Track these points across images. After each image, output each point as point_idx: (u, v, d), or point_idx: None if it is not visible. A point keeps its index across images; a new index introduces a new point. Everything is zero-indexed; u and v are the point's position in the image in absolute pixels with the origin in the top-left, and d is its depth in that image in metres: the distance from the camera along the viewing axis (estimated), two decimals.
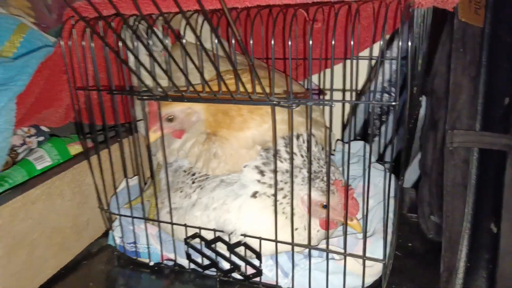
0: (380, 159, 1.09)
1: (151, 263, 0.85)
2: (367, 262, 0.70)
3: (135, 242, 0.85)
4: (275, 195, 0.73)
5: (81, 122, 0.86)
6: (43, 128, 0.98)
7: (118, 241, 0.87)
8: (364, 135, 1.11)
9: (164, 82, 0.78)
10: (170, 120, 0.80)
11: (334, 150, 1.07)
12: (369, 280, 0.72)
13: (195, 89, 0.69)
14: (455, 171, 0.81)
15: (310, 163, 0.70)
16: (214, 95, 0.68)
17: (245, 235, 0.75)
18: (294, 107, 0.63)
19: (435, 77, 0.95)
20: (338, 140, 1.11)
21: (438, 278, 0.77)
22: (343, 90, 0.83)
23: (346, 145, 1.04)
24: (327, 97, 1.11)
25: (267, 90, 0.64)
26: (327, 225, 0.76)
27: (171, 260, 0.84)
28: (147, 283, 0.83)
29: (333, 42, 0.61)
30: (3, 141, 0.78)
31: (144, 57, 0.87)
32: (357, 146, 1.02)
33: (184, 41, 0.69)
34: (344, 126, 1.13)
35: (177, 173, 0.89)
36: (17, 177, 0.86)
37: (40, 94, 0.88)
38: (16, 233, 0.72)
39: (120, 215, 0.85)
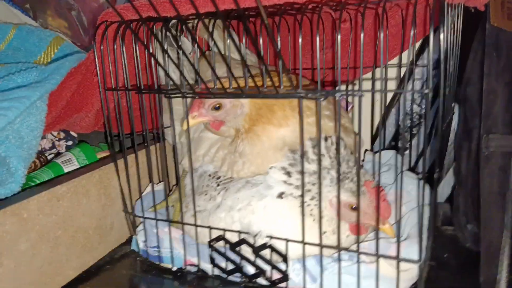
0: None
1: (174, 268, 0.83)
2: (402, 266, 0.66)
3: (158, 246, 0.83)
4: (302, 195, 0.70)
5: (109, 125, 0.86)
6: (73, 133, 0.99)
7: (141, 245, 0.86)
8: (395, 147, 1.09)
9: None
10: (217, 108, 0.79)
11: (363, 161, 1.04)
12: (403, 286, 0.67)
13: (222, 85, 0.69)
14: (492, 179, 0.77)
15: (339, 163, 0.68)
16: (241, 90, 0.68)
17: (271, 237, 0.72)
18: (321, 99, 0.62)
19: (467, 85, 0.93)
20: (367, 150, 1.08)
21: None
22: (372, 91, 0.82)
23: (376, 155, 1.01)
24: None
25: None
26: (357, 229, 0.73)
27: (194, 265, 0.81)
28: None
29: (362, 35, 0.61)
30: (33, 139, 0.80)
31: (174, 67, 0.89)
32: (388, 155, 0.99)
33: (212, 42, 0.70)
34: (374, 138, 1.10)
35: (202, 177, 0.88)
36: (45, 178, 0.87)
37: (72, 98, 0.90)
38: (41, 228, 0.72)
39: (144, 217, 0.84)
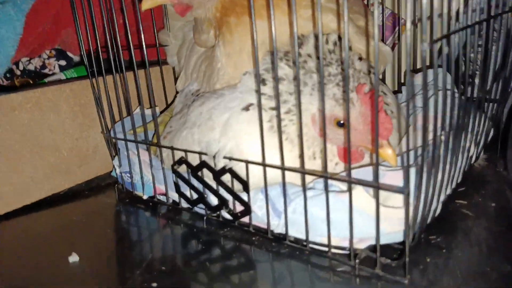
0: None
1: (145, 197, 0.72)
2: (391, 202, 0.46)
3: (130, 172, 0.73)
4: (259, 106, 0.53)
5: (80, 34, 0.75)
6: (69, 54, 0.92)
7: (117, 170, 0.76)
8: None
9: None
10: None
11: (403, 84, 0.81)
12: (392, 229, 0.47)
13: None
14: None
15: (321, 67, 0.49)
16: None
17: (230, 158, 0.57)
18: None
19: None
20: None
21: None
22: None
23: (418, 74, 0.77)
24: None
25: None
26: (347, 154, 0.54)
27: (164, 194, 0.69)
28: (142, 219, 0.70)
29: None
30: (4, 49, 0.75)
31: None
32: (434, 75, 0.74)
33: None
34: None
35: (187, 97, 0.75)
36: None
37: (57, 13, 0.83)
38: None
39: (116, 138, 0.74)
